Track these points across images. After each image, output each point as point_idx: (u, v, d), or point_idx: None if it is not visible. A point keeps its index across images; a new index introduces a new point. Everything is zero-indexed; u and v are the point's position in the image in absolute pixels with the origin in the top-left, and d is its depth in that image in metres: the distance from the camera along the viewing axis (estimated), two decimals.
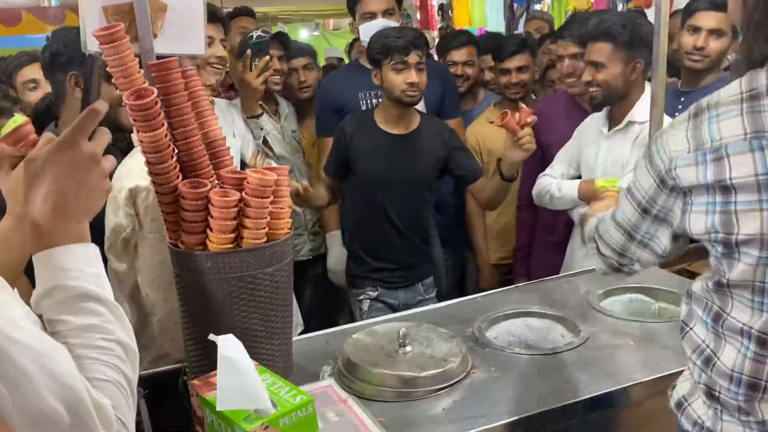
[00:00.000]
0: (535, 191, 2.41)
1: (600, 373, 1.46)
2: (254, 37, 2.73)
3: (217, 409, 1.13)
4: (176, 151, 1.39)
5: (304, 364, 1.60)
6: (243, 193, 1.35)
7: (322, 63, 4.49)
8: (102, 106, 0.90)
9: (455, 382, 1.45)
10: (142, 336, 1.68)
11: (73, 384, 0.76)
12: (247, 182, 1.34)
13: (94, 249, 0.91)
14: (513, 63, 2.77)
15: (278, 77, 2.71)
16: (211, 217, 1.33)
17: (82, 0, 1.36)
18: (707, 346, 1.12)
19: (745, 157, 0.99)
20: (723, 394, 1.09)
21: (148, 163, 1.32)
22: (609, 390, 1.39)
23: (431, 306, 1.97)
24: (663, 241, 1.18)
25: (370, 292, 2.40)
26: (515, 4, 8.32)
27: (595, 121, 2.30)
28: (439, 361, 1.47)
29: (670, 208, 1.12)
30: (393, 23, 2.59)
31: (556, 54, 2.60)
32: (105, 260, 1.64)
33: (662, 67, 1.95)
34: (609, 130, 2.23)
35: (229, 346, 1.15)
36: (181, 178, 1.36)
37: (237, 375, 1.12)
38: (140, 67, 1.33)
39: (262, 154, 2.48)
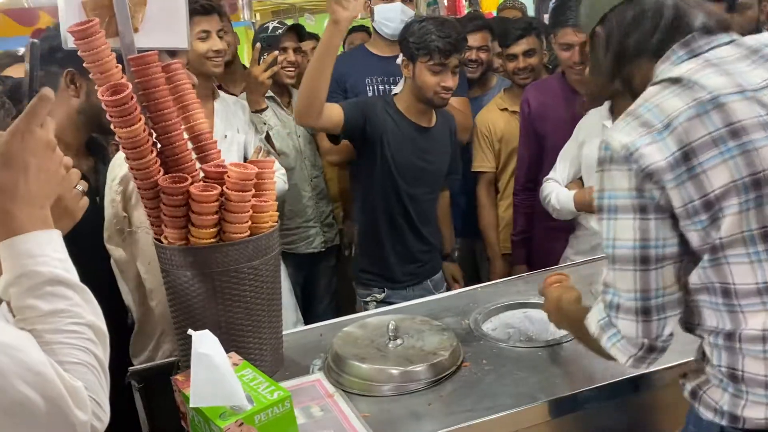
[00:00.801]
0: (540, 196, 2.37)
1: (591, 368, 1.41)
2: (270, 28, 2.72)
3: (191, 405, 1.13)
4: (158, 146, 1.38)
5: (296, 357, 1.59)
6: (224, 188, 1.34)
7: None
8: (49, 92, 0.91)
9: (444, 376, 1.42)
10: (145, 324, 1.68)
11: (43, 371, 0.78)
12: (228, 176, 1.33)
13: (57, 234, 0.93)
14: (519, 47, 2.70)
15: (292, 69, 2.69)
16: (192, 211, 1.33)
17: None
18: (725, 324, 1.06)
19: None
20: (747, 372, 1.05)
21: (127, 158, 1.32)
22: (595, 386, 1.36)
23: (428, 298, 1.95)
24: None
25: (377, 294, 2.37)
26: None
27: (597, 115, 2.23)
28: (428, 355, 1.45)
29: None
30: (410, 11, 2.57)
31: (558, 42, 2.49)
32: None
33: None
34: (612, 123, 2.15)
35: (204, 342, 1.14)
36: (162, 172, 1.35)
37: (211, 371, 1.11)
38: (121, 62, 1.32)
39: (264, 150, 2.47)
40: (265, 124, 2.50)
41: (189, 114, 1.46)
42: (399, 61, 2.26)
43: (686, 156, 1.02)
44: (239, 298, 1.39)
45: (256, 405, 1.14)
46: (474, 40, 2.86)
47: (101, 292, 0.97)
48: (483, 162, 2.78)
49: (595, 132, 2.23)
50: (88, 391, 0.84)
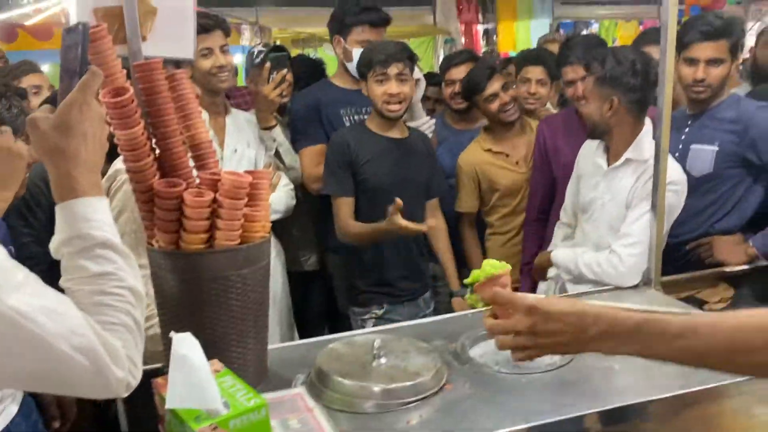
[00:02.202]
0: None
1: (573, 396, 1.40)
2: (255, 54, 2.80)
3: (166, 406, 1.13)
4: (157, 150, 1.41)
5: (280, 371, 1.59)
6: (217, 194, 1.36)
7: None
8: (98, 69, 1.01)
9: (425, 397, 1.41)
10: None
11: (84, 332, 0.86)
12: (221, 183, 1.35)
13: (107, 201, 1.01)
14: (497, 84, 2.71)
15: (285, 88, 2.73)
16: (185, 216, 1.34)
17: (73, 2, 1.40)
18: None
19: None
20: None
21: (125, 161, 1.34)
22: (575, 415, 1.34)
23: (420, 321, 1.94)
24: None
25: (376, 311, 2.38)
26: (561, 30, 8.32)
27: (591, 151, 2.25)
28: (411, 375, 1.44)
29: None
30: None
31: (565, 80, 2.57)
32: None
33: (669, 88, 1.89)
34: (608, 165, 2.17)
35: (184, 345, 1.14)
36: (158, 177, 1.38)
37: (189, 373, 1.11)
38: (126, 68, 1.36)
39: (273, 165, 2.51)
40: (274, 140, 2.54)
41: (190, 123, 1.49)
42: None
43: None
44: (226, 306, 1.40)
45: (232, 410, 1.14)
46: (458, 72, 2.92)
47: None
48: (466, 203, 2.79)
49: (588, 168, 2.25)
50: (126, 351, 0.92)
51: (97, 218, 0.96)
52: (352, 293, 2.46)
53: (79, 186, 0.96)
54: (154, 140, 1.40)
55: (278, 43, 6.31)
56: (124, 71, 1.32)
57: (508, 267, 1.34)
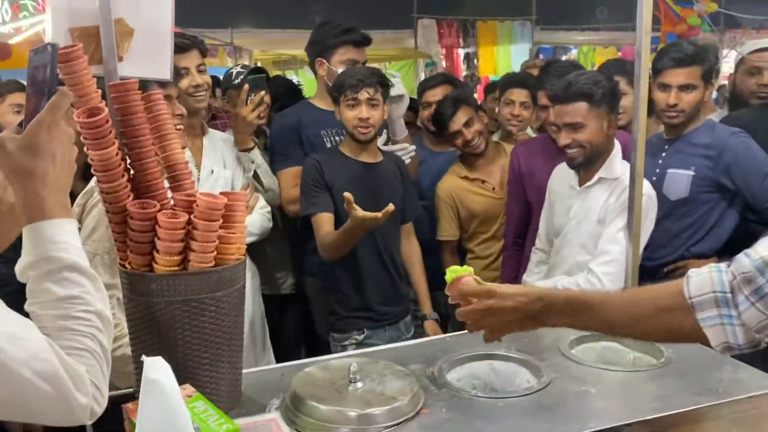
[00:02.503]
0: None
1: (549, 421, 1.40)
2: (234, 74, 2.80)
3: None
4: (132, 171, 1.40)
5: (254, 396, 1.56)
6: (192, 216, 1.34)
7: None
8: (67, 90, 1.01)
9: (402, 422, 1.39)
10: None
11: (46, 357, 0.85)
12: (196, 205, 1.34)
13: (75, 223, 1.00)
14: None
15: (263, 110, 2.73)
16: (158, 238, 1.33)
17: (49, 22, 1.39)
18: None
19: None
20: None
21: (98, 181, 1.32)
22: None
23: (396, 344, 1.93)
24: None
25: (357, 336, 2.35)
26: (541, 55, 8.45)
27: (564, 174, 2.28)
28: (387, 399, 1.42)
29: None
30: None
31: (540, 104, 2.61)
32: None
33: (643, 114, 1.92)
34: (580, 185, 2.20)
35: (155, 369, 1.11)
36: (132, 197, 1.36)
37: (160, 399, 1.09)
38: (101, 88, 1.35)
39: (252, 187, 2.50)
40: (252, 162, 2.52)
41: (166, 143, 1.47)
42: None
43: None
44: (198, 329, 1.37)
45: None
46: (433, 95, 2.97)
47: None
48: (447, 231, 2.80)
49: (561, 191, 2.27)
50: (91, 377, 0.90)
51: (65, 240, 0.94)
52: (331, 318, 2.43)
53: (47, 207, 0.94)
54: (128, 161, 1.39)
55: (259, 64, 6.33)
56: (99, 91, 1.31)
57: (470, 269, 1.46)
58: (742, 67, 2.96)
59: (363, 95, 2.29)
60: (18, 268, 0.95)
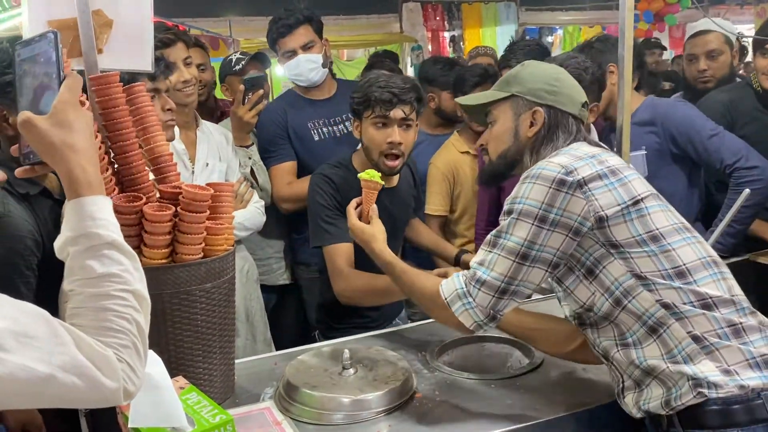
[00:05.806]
0: None
1: (543, 401, 1.41)
2: (233, 60, 2.75)
3: (130, 425, 1.10)
4: (115, 165, 1.39)
5: (247, 385, 1.57)
6: (178, 208, 1.34)
7: None
8: (76, 73, 0.99)
9: (395, 406, 1.40)
10: None
11: (63, 350, 0.82)
12: (182, 197, 1.33)
13: (110, 201, 0.98)
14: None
15: (262, 108, 2.70)
16: (145, 231, 1.32)
17: (26, 15, 1.37)
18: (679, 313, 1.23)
19: None
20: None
21: None
22: (544, 419, 1.35)
23: (388, 329, 1.93)
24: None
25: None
26: (527, 36, 8.42)
27: None
28: (379, 384, 1.43)
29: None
30: (315, 56, 2.51)
31: None
32: None
33: (628, 93, 1.92)
34: None
35: (147, 362, 1.12)
36: (117, 191, 1.35)
37: (153, 391, 1.09)
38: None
39: (247, 182, 2.47)
40: (250, 158, 2.50)
41: (149, 136, 1.46)
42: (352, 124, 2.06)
43: None
44: (189, 321, 1.37)
45: (197, 427, 1.12)
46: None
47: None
48: (437, 204, 2.68)
49: None
50: (124, 356, 0.88)
51: (104, 217, 0.94)
52: (320, 327, 2.20)
53: (93, 181, 0.94)
54: (112, 154, 1.38)
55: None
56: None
57: (377, 174, 1.66)
58: (685, 53, 3.00)
59: (397, 113, 1.88)
60: (57, 243, 0.94)
